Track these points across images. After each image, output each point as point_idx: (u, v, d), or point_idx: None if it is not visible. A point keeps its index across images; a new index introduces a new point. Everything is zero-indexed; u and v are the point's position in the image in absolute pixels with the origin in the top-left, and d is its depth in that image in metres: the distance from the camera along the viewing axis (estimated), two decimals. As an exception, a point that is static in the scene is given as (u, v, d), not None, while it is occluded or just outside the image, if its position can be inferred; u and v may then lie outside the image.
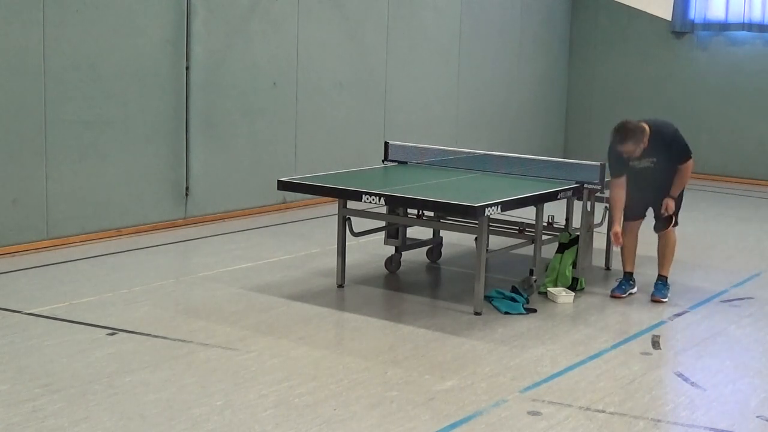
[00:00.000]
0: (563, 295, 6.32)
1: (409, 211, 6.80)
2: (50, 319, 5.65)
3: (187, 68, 8.33)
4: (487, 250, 6.07)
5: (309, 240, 8.10)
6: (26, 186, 7.29)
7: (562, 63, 13.36)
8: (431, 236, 7.42)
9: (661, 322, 6.02)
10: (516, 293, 6.22)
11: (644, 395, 4.73)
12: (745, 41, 12.08)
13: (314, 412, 4.36)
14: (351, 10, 9.95)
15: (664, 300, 6.40)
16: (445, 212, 6.73)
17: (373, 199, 5.96)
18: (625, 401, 4.62)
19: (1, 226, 7.15)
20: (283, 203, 9.37)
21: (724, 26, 12.18)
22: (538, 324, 5.84)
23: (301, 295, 6.33)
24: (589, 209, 6.62)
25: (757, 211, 10.40)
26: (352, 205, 6.50)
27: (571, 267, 6.53)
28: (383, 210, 6.84)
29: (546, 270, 6.58)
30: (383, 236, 7.13)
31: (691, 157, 6.30)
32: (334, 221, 6.72)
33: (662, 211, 6.37)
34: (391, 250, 7.16)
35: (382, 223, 6.96)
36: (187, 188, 8.49)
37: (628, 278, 6.58)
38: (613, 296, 6.48)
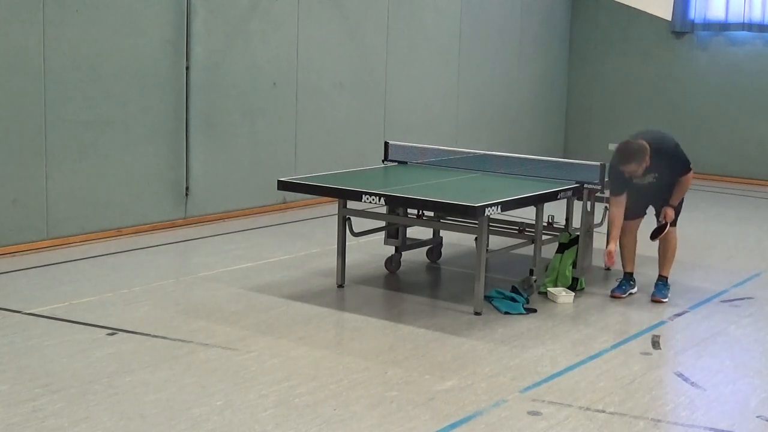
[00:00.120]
0: (563, 295, 6.32)
1: (409, 211, 6.80)
2: (50, 319, 5.65)
3: (187, 68, 8.33)
4: (487, 250, 6.07)
5: (309, 240, 8.09)
6: (26, 186, 7.29)
7: (562, 63, 13.35)
8: (431, 236, 7.42)
9: (661, 322, 6.02)
10: (516, 293, 6.22)
11: (644, 395, 4.73)
12: (745, 41, 12.07)
13: (314, 412, 4.36)
14: (351, 10, 9.95)
15: (665, 300, 6.40)
16: (445, 212, 6.73)
17: (373, 199, 5.96)
18: (625, 401, 4.62)
19: (1, 226, 7.15)
20: (283, 203, 9.37)
21: (724, 26, 12.16)
22: (538, 324, 5.84)
23: (301, 295, 6.33)
24: (589, 209, 6.61)
25: (756, 211, 10.39)
26: (352, 205, 6.50)
27: (571, 267, 6.53)
28: (383, 210, 6.84)
29: (546, 270, 6.58)
30: (383, 236, 7.13)
31: (691, 169, 6.32)
32: (334, 221, 6.72)
33: (661, 218, 6.39)
34: (391, 250, 7.16)
35: (382, 223, 6.96)
36: (187, 188, 8.49)
37: (628, 278, 6.58)
38: (613, 296, 6.48)
